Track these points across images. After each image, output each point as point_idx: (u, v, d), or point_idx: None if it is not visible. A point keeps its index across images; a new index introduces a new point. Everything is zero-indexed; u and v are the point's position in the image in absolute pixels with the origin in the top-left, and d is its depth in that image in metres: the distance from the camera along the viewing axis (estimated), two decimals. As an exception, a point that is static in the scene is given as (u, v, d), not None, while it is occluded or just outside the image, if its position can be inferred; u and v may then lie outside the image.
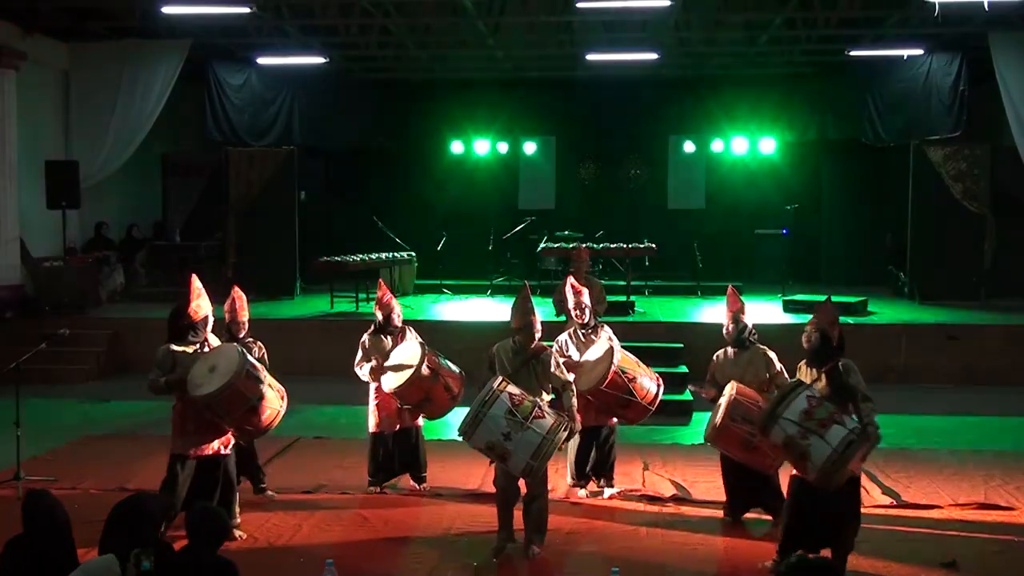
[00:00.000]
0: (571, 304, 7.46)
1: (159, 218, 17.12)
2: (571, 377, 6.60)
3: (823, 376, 5.80)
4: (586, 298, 7.46)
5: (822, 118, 16.17)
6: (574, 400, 6.36)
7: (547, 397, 6.29)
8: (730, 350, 6.84)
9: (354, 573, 5.86)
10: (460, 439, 6.08)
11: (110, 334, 12.54)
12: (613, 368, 6.95)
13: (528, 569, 6.04)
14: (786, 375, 6.57)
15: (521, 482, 6.14)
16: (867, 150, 16.12)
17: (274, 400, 6.42)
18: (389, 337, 7.40)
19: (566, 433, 6.03)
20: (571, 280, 7.70)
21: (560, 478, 7.76)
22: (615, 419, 7.36)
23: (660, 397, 7.25)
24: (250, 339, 7.20)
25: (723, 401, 6.45)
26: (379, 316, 7.50)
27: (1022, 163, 13.34)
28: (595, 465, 7.39)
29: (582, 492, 7.39)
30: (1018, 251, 14.25)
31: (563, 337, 7.43)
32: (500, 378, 6.03)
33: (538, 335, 6.38)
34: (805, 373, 5.98)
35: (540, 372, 6.30)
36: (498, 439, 5.79)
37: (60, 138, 14.34)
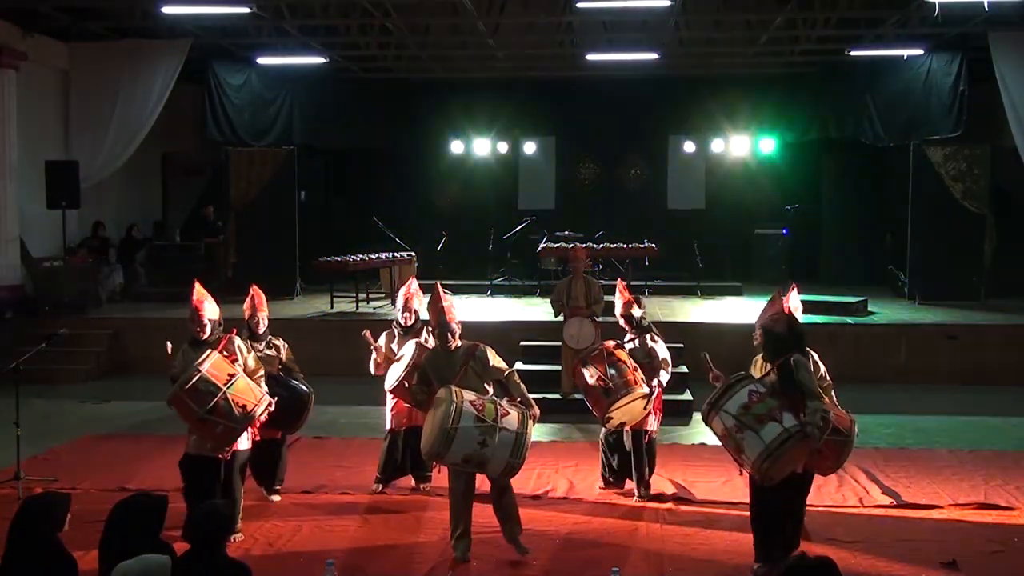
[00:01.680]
0: (618, 315, 7.53)
1: (159, 218, 17.13)
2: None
3: (774, 370, 5.72)
4: (635, 311, 7.41)
5: (822, 118, 16.17)
6: (521, 385, 6.31)
7: (489, 391, 6.24)
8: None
9: (354, 573, 5.87)
10: (425, 458, 6.02)
11: (110, 334, 12.54)
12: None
13: (529, 569, 6.04)
14: (828, 378, 6.35)
15: (483, 481, 6.14)
16: (867, 150, 16.12)
17: (232, 416, 6.25)
18: (405, 337, 7.41)
19: (532, 422, 6.03)
20: (619, 284, 7.71)
21: (561, 478, 7.77)
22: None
23: (629, 395, 7.04)
24: (271, 336, 7.27)
25: None
26: (398, 304, 7.58)
27: (1022, 163, 13.34)
28: (627, 467, 7.39)
29: (599, 489, 7.47)
30: (1018, 251, 14.25)
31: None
32: (453, 389, 5.92)
33: (456, 331, 6.30)
34: (760, 367, 5.96)
35: (480, 370, 6.24)
36: (475, 449, 5.76)
37: (60, 138, 14.33)
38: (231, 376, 6.31)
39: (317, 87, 16.29)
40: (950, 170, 13.86)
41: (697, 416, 9.90)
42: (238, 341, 6.70)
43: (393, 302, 13.45)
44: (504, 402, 6.08)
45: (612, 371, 7.01)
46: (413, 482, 7.57)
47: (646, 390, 7.07)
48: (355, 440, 8.99)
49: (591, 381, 7.03)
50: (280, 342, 7.32)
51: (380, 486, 7.46)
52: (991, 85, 13.69)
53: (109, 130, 14.05)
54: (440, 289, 6.46)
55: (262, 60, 14.88)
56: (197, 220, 16.07)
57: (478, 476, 6.17)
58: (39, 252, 13.60)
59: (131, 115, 14.04)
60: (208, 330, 6.58)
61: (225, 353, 6.51)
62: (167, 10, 11.93)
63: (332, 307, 13.40)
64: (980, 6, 10.94)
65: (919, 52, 14.43)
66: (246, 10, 12.02)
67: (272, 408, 6.61)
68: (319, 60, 14.86)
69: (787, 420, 5.44)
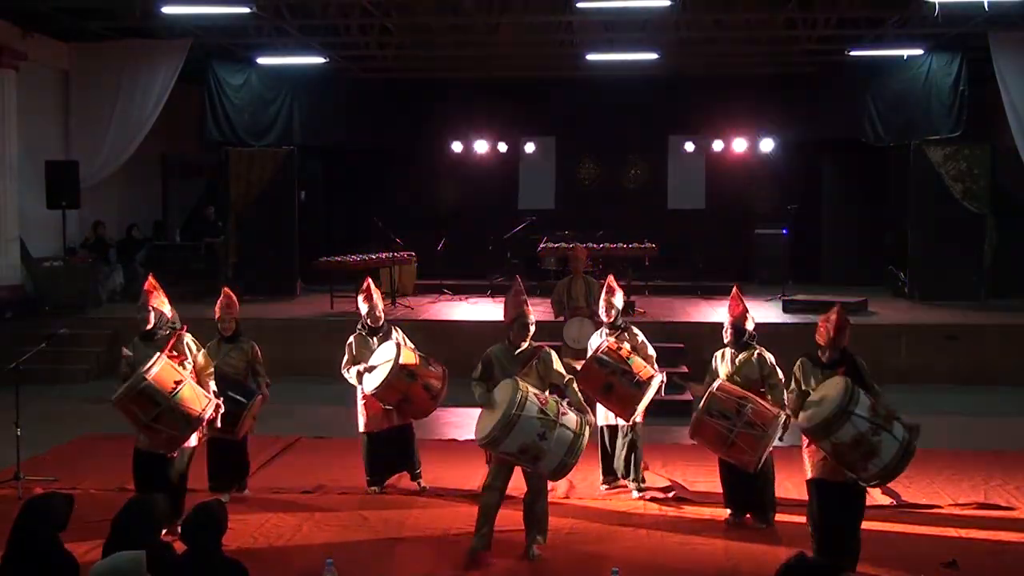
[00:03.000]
0: (601, 303, 7.52)
1: (159, 218, 17.13)
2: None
3: (839, 375, 5.76)
4: (617, 299, 7.46)
5: (822, 118, 16.17)
6: (579, 394, 6.37)
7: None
8: (728, 350, 6.84)
9: (354, 573, 5.86)
10: (481, 444, 5.99)
11: (110, 334, 12.52)
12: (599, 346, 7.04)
13: (529, 569, 6.04)
14: (780, 374, 6.59)
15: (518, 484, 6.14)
16: (867, 150, 16.11)
17: (177, 424, 6.25)
18: (375, 338, 7.41)
19: (589, 429, 6.05)
20: (610, 279, 7.71)
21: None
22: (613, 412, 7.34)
23: (652, 387, 7.15)
24: (243, 339, 7.31)
25: (704, 396, 6.49)
26: (363, 309, 7.48)
27: (1022, 163, 13.34)
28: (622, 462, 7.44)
29: (603, 487, 7.46)
30: (1018, 251, 14.25)
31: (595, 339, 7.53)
32: (518, 380, 5.98)
33: (532, 329, 6.37)
34: (810, 371, 5.96)
35: (543, 371, 6.29)
36: (533, 440, 5.76)
37: (60, 138, 14.33)
38: (177, 383, 6.29)
39: (317, 87, 16.28)
40: (950, 170, 13.86)
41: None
42: (188, 339, 6.71)
43: (393, 302, 13.53)
44: (565, 403, 6.11)
45: (625, 368, 7.04)
46: (411, 482, 7.56)
47: (661, 376, 7.19)
48: (355, 440, 8.95)
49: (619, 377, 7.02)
50: (249, 344, 7.31)
51: (375, 488, 7.45)
52: (991, 85, 13.69)
53: (109, 130, 14.05)
54: (521, 285, 6.51)
55: (262, 60, 14.89)
56: (197, 220, 16.07)
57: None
58: (39, 252, 13.59)
59: (131, 115, 14.04)
60: (152, 320, 6.66)
61: (174, 353, 6.53)
62: (167, 10, 11.93)
63: (332, 307, 13.39)
64: (980, 6, 10.94)
65: (919, 52, 14.44)
66: (246, 10, 12.02)
67: (222, 409, 6.63)
68: (319, 60, 14.87)
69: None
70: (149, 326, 6.67)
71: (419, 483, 7.51)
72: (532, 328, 6.39)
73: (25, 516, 4.34)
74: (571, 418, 5.94)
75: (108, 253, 15.10)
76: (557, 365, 6.37)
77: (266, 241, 14.53)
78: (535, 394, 5.91)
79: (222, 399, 6.74)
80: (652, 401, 7.40)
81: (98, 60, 14.15)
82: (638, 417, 7.32)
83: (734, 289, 7.06)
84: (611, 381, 7.03)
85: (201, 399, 6.44)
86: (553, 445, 5.79)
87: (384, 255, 14.32)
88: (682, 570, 6.01)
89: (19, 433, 7.48)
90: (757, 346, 6.79)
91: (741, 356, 6.73)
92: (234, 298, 7.38)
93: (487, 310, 13.48)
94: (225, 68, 15.19)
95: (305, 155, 15.94)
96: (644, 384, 7.04)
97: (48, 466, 8.04)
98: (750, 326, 6.82)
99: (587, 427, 6.01)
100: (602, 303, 7.51)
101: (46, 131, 14.07)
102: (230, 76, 15.26)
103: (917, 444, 5.58)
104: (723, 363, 6.80)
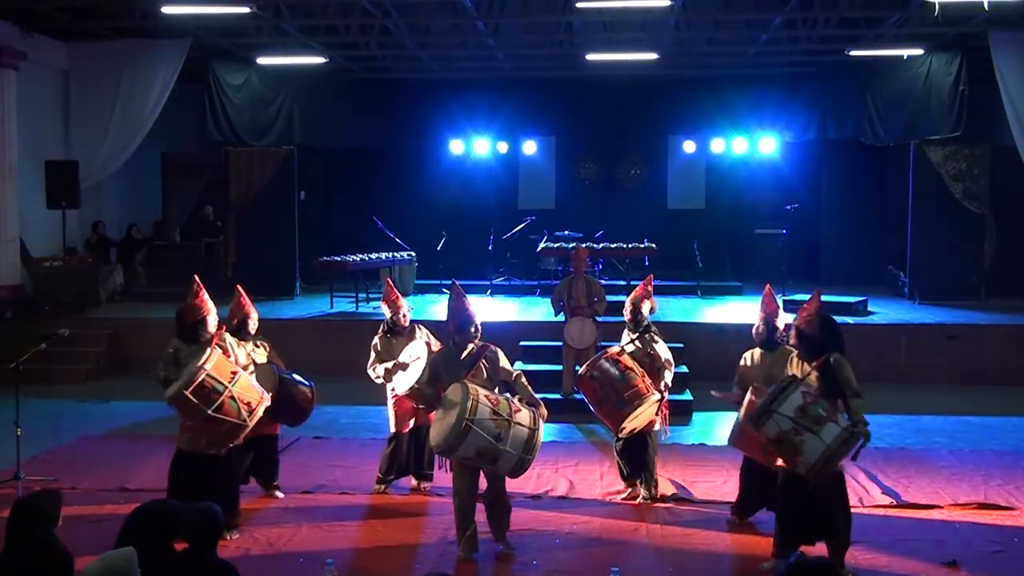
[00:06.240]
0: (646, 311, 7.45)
1: (159, 218, 17.13)
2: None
3: (813, 370, 5.75)
4: (645, 306, 7.40)
5: (822, 118, 16.15)
6: (528, 387, 6.29)
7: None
8: (757, 351, 6.70)
9: (354, 573, 5.87)
10: (437, 452, 5.99)
11: (110, 334, 12.55)
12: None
13: (528, 569, 6.03)
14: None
15: (482, 481, 6.15)
16: (867, 150, 16.11)
17: (239, 414, 6.26)
18: (399, 338, 7.41)
19: (542, 421, 6.01)
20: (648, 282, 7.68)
21: (560, 478, 7.77)
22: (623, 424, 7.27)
23: (656, 395, 7.09)
24: (257, 338, 7.26)
25: (744, 404, 6.35)
26: (387, 314, 7.54)
27: (1022, 163, 13.34)
28: (635, 468, 7.32)
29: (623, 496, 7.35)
30: (1018, 251, 14.25)
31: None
32: (468, 384, 5.90)
33: (477, 332, 6.29)
34: (796, 366, 5.96)
35: (491, 370, 6.22)
36: (489, 443, 5.74)
37: (60, 138, 14.34)
38: (234, 374, 6.31)
39: (317, 87, 16.28)
40: (950, 170, 13.86)
41: (697, 416, 9.95)
42: (229, 338, 6.75)
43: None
44: (515, 400, 6.08)
45: (622, 381, 6.93)
46: (414, 481, 7.57)
47: (657, 396, 7.03)
48: (355, 440, 9.00)
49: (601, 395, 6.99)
50: (265, 343, 7.31)
51: (382, 487, 7.46)
52: (991, 85, 13.69)
53: (109, 130, 14.06)
54: (460, 290, 6.45)
55: (262, 60, 14.89)
56: (197, 220, 16.07)
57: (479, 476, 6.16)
58: (39, 252, 13.59)
59: (131, 115, 14.04)
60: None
61: (219, 349, 6.52)
62: (167, 10, 11.92)
63: (332, 307, 13.40)
64: (980, 6, 10.94)
65: (919, 52, 14.44)
66: (246, 10, 12.02)
67: (269, 404, 6.63)
68: (319, 60, 14.86)
69: (842, 420, 5.50)
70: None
71: (420, 484, 7.52)
72: (477, 332, 6.29)
73: (15, 518, 4.32)
74: (524, 415, 5.92)
75: (108, 253, 15.12)
76: (504, 362, 6.30)
77: (266, 241, 14.52)
78: (486, 395, 5.86)
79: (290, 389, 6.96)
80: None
81: (98, 60, 14.16)
82: (656, 424, 7.22)
83: (767, 287, 6.93)
84: (600, 396, 7.01)
85: (255, 391, 6.45)
86: (510, 445, 5.77)
87: (384, 255, 14.33)
88: (682, 570, 6.02)
89: (19, 433, 7.47)
90: (789, 347, 6.53)
91: (771, 357, 6.57)
92: (244, 297, 7.29)
93: (487, 310, 13.46)
94: (225, 68, 15.19)
95: (305, 155, 15.94)
96: (625, 404, 6.87)
97: (48, 466, 8.03)
98: (781, 324, 6.70)
99: (540, 420, 5.99)
100: (628, 301, 7.43)
101: (46, 131, 14.07)
102: (230, 76, 15.25)
103: (855, 447, 5.48)
104: (754, 366, 6.63)
